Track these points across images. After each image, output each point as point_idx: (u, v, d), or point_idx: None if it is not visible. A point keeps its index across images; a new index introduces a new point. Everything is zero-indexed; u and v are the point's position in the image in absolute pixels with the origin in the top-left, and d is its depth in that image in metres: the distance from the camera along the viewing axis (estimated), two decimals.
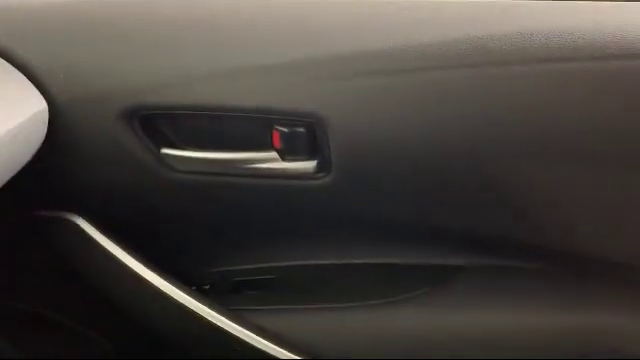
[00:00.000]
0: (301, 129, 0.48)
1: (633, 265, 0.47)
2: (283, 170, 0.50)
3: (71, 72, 0.47)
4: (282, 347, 0.50)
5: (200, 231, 0.55)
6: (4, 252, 0.59)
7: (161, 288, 0.51)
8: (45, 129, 0.47)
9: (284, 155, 0.49)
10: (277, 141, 0.48)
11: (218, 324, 0.51)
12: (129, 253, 0.51)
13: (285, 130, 0.48)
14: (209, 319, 0.51)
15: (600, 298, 0.49)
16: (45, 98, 0.46)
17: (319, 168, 0.49)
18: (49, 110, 0.47)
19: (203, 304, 0.51)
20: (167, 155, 0.49)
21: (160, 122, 0.49)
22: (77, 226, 0.51)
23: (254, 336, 0.50)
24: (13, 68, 0.46)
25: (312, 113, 0.46)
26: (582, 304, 0.49)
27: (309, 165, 0.49)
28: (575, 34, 0.42)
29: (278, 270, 0.58)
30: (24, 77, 0.46)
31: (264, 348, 0.49)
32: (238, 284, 0.57)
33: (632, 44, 0.42)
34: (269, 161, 0.49)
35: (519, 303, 0.51)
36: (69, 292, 0.60)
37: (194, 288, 0.54)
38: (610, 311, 0.49)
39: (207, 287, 0.57)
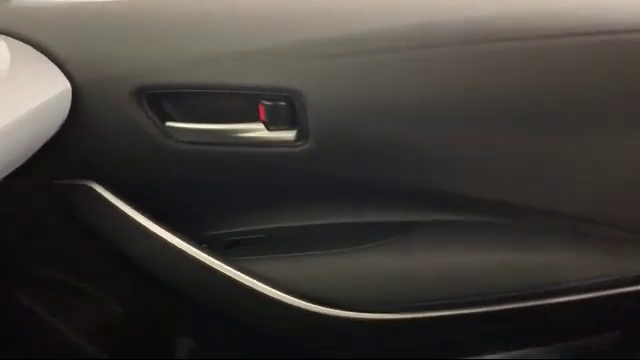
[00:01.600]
0: (283, 103, 0.57)
1: (559, 211, 0.57)
2: (268, 139, 0.59)
3: (90, 58, 0.56)
4: (274, 288, 0.59)
5: (198, 195, 0.64)
6: (27, 219, 0.68)
7: (173, 243, 0.60)
8: (68, 106, 0.56)
9: (268, 126, 0.58)
10: (263, 114, 0.58)
11: (226, 273, 0.60)
12: (141, 214, 0.60)
13: (269, 104, 0.57)
14: (217, 268, 0.60)
15: (534, 241, 0.59)
16: (69, 80, 0.56)
17: (298, 137, 0.58)
18: (72, 90, 0.56)
19: (212, 256, 0.60)
20: (170, 128, 0.59)
21: (164, 100, 0.58)
22: (94, 191, 0.60)
23: (252, 280, 0.59)
24: (43, 55, 0.56)
25: (292, 90, 0.56)
26: (519, 247, 0.59)
27: (290, 134, 0.59)
28: (517, 18, 0.52)
29: (267, 231, 0.67)
30: (52, 63, 0.55)
31: (257, 289, 0.59)
32: (232, 242, 0.65)
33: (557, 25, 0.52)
34: (256, 131, 0.59)
35: (469, 248, 0.60)
36: (85, 255, 0.69)
37: (205, 246, 0.62)
38: (544, 251, 0.59)
39: (205, 246, 0.65)
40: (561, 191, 0.57)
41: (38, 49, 0.56)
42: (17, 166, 0.52)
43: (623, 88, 0.53)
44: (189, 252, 0.60)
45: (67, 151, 0.59)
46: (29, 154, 0.54)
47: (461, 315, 0.58)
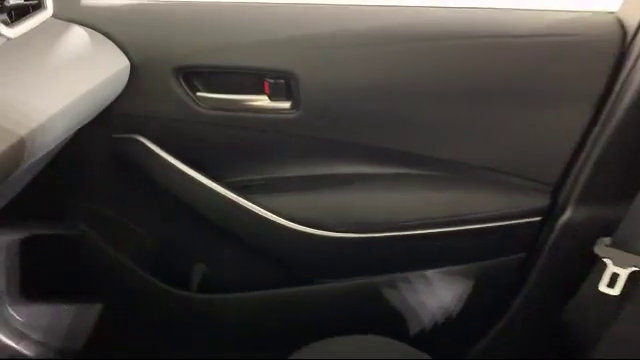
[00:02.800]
0: (282, 81, 0.78)
1: (474, 164, 0.80)
2: (270, 107, 0.81)
3: (143, 44, 0.78)
4: (274, 214, 0.82)
5: (218, 149, 0.85)
6: (89, 165, 0.89)
7: (202, 181, 0.82)
8: (127, 79, 0.78)
9: (270, 97, 0.80)
10: (267, 88, 0.79)
11: (240, 203, 0.82)
12: (178, 160, 0.82)
13: (272, 81, 0.79)
14: (234, 200, 0.82)
15: (457, 184, 0.81)
16: (127, 59, 0.77)
17: (292, 106, 0.80)
18: (130, 67, 0.77)
19: (231, 192, 0.83)
20: (200, 97, 0.80)
21: (195, 76, 0.80)
22: (142, 143, 0.82)
23: (258, 209, 0.82)
24: (108, 40, 0.77)
25: (289, 71, 0.77)
26: (446, 187, 0.81)
27: (286, 104, 0.80)
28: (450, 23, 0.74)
29: (268, 179, 0.89)
30: (116, 46, 0.77)
31: (262, 214, 0.82)
32: (243, 187, 0.87)
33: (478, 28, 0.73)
34: (261, 101, 0.80)
35: (412, 190, 0.83)
36: (130, 195, 0.91)
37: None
38: (463, 191, 0.81)
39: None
40: (478, 149, 0.79)
41: (105, 35, 0.77)
42: (87, 122, 0.73)
43: (515, 76, 0.75)
44: (215, 188, 0.82)
45: (123, 112, 0.81)
46: (96, 113, 0.75)
47: (404, 236, 0.81)
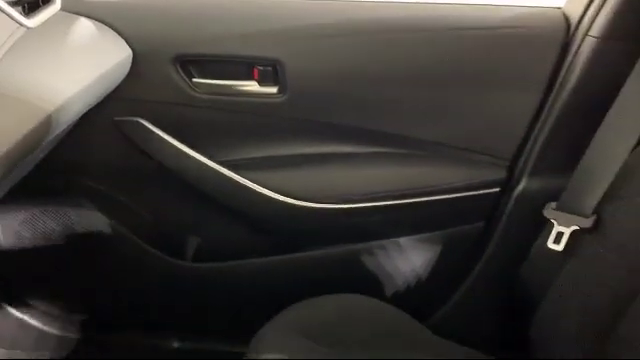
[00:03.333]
0: (270, 68, 0.88)
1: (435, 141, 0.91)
2: (259, 92, 0.90)
3: (144, 35, 0.86)
4: (264, 187, 0.92)
5: (213, 130, 0.94)
6: (91, 146, 0.97)
7: (199, 159, 0.91)
8: (129, 66, 0.86)
9: (259, 83, 0.89)
10: (256, 75, 0.88)
11: (234, 179, 0.92)
12: (175, 140, 0.91)
13: (261, 68, 0.88)
14: (229, 176, 0.92)
15: (419, 160, 0.92)
16: (130, 48, 0.85)
17: (279, 91, 0.89)
18: (132, 56, 0.85)
19: (226, 169, 0.92)
20: (196, 83, 0.89)
21: (191, 64, 0.88)
22: (143, 125, 0.90)
23: (250, 183, 0.92)
24: (113, 32, 0.85)
25: (276, 59, 0.86)
26: (413, 164, 0.92)
27: (274, 89, 0.89)
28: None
29: (258, 159, 0.98)
30: (120, 37, 0.85)
31: (254, 188, 0.92)
32: (236, 165, 0.96)
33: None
34: (251, 86, 0.89)
35: (384, 165, 0.93)
36: (129, 174, 0.99)
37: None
38: (426, 166, 0.92)
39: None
40: (443, 129, 0.90)
41: (109, 27, 0.85)
42: (92, 106, 0.81)
43: (474, 63, 0.85)
44: (210, 165, 0.91)
45: (125, 97, 0.89)
46: (102, 97, 0.84)
47: (379, 206, 0.91)
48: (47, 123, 0.62)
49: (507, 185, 0.91)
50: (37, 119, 0.60)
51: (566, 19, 0.84)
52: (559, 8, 0.86)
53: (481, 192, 0.91)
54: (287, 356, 0.73)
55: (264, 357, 0.74)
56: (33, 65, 0.67)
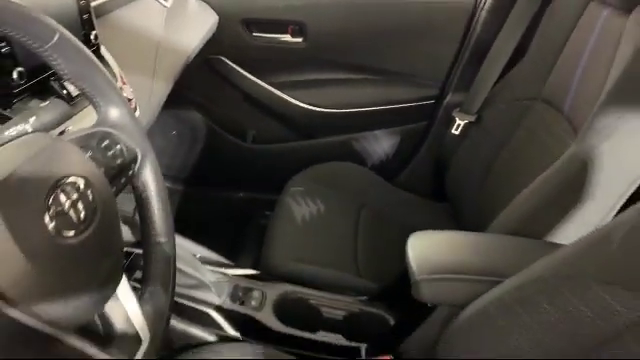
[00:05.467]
0: (297, 27, 1.48)
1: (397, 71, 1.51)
2: (291, 41, 1.50)
3: (225, 6, 1.47)
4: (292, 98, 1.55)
5: (265, 64, 1.56)
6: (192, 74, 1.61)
7: (257, 82, 1.55)
8: (216, 26, 1.48)
9: (292, 35, 1.50)
10: (290, 31, 1.49)
11: (276, 92, 1.56)
12: (242, 69, 1.54)
13: (292, 27, 1.48)
14: (273, 91, 1.56)
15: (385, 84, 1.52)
16: (217, 14, 1.46)
17: (303, 40, 1.49)
18: (218, 19, 1.47)
19: (272, 87, 1.55)
20: (255, 36, 1.50)
21: (252, 23, 1.49)
22: (224, 61, 1.53)
23: (285, 96, 1.56)
24: (207, 5, 1.46)
25: (301, 21, 1.46)
26: (382, 83, 1.53)
27: (300, 39, 1.50)
28: None
29: (291, 81, 1.60)
30: (211, 9, 1.46)
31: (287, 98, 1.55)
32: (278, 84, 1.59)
33: None
34: (287, 37, 1.50)
35: (367, 85, 1.54)
36: (216, 93, 1.63)
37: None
38: (391, 85, 1.52)
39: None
40: (398, 63, 1.49)
41: (206, 3, 1.46)
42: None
43: (414, 22, 1.43)
44: (263, 85, 1.55)
45: (213, 44, 1.51)
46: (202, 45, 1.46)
47: (362, 111, 1.54)
48: (189, 57, 1.25)
49: (439, 98, 1.51)
50: (187, 55, 1.24)
51: None
52: None
53: (424, 103, 1.52)
54: (302, 187, 1.39)
55: (293, 189, 1.40)
56: (176, 28, 1.29)
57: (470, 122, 1.37)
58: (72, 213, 0.45)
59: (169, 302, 0.60)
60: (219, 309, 0.92)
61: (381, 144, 1.61)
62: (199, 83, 1.62)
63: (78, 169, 0.48)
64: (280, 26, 1.50)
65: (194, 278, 0.91)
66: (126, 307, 0.53)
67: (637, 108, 0.85)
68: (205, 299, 0.92)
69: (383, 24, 1.46)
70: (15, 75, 0.70)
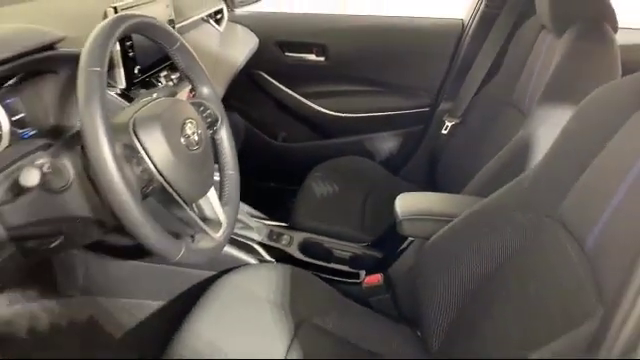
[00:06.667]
0: (320, 48, 1.86)
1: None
2: (316, 60, 1.89)
3: (263, 32, 1.86)
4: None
5: (296, 80, 1.94)
6: (235, 84, 2.00)
7: (288, 92, 1.93)
8: (256, 47, 1.87)
9: (316, 55, 1.89)
10: (314, 51, 1.88)
11: (303, 100, 1.94)
12: (276, 81, 1.93)
13: (316, 48, 1.87)
14: (301, 99, 1.94)
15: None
16: (257, 37, 1.86)
17: (325, 58, 1.88)
18: (258, 42, 1.86)
19: (299, 95, 1.93)
20: (287, 55, 1.90)
21: (285, 45, 1.88)
22: (262, 75, 1.93)
23: (310, 103, 1.93)
24: (250, 31, 1.86)
25: (323, 44, 1.85)
26: (384, 93, 1.90)
27: (323, 58, 1.89)
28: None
29: (315, 92, 1.98)
30: (253, 33, 1.86)
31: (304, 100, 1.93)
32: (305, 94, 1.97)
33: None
34: (312, 57, 1.89)
35: (372, 95, 1.91)
36: (253, 96, 2.02)
37: None
38: (391, 96, 1.89)
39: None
40: (396, 78, 1.85)
41: (248, 28, 1.86)
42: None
43: (408, 45, 1.81)
44: (293, 95, 1.93)
45: (253, 61, 1.90)
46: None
47: (369, 117, 1.90)
48: (236, 70, 1.64)
49: (432, 107, 1.86)
50: (235, 68, 1.62)
51: (462, 24, 1.77)
52: (460, 19, 1.79)
53: (421, 110, 1.88)
54: (323, 173, 1.74)
55: (316, 174, 1.74)
56: (230, 48, 1.68)
57: (456, 123, 1.72)
58: (193, 137, 0.81)
59: (236, 207, 0.96)
60: (259, 243, 1.27)
61: (387, 143, 1.96)
62: (241, 91, 2.00)
63: (193, 115, 0.84)
64: (307, 47, 1.89)
65: (243, 223, 1.26)
66: (213, 203, 0.89)
67: (561, 104, 1.19)
68: (250, 236, 1.27)
69: (389, 45, 1.83)
70: (136, 71, 1.10)
